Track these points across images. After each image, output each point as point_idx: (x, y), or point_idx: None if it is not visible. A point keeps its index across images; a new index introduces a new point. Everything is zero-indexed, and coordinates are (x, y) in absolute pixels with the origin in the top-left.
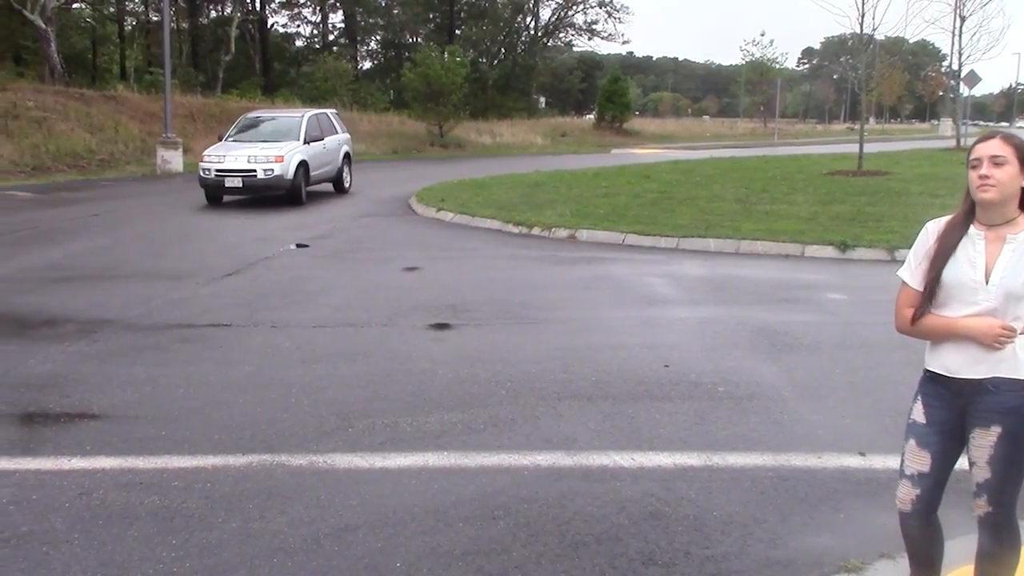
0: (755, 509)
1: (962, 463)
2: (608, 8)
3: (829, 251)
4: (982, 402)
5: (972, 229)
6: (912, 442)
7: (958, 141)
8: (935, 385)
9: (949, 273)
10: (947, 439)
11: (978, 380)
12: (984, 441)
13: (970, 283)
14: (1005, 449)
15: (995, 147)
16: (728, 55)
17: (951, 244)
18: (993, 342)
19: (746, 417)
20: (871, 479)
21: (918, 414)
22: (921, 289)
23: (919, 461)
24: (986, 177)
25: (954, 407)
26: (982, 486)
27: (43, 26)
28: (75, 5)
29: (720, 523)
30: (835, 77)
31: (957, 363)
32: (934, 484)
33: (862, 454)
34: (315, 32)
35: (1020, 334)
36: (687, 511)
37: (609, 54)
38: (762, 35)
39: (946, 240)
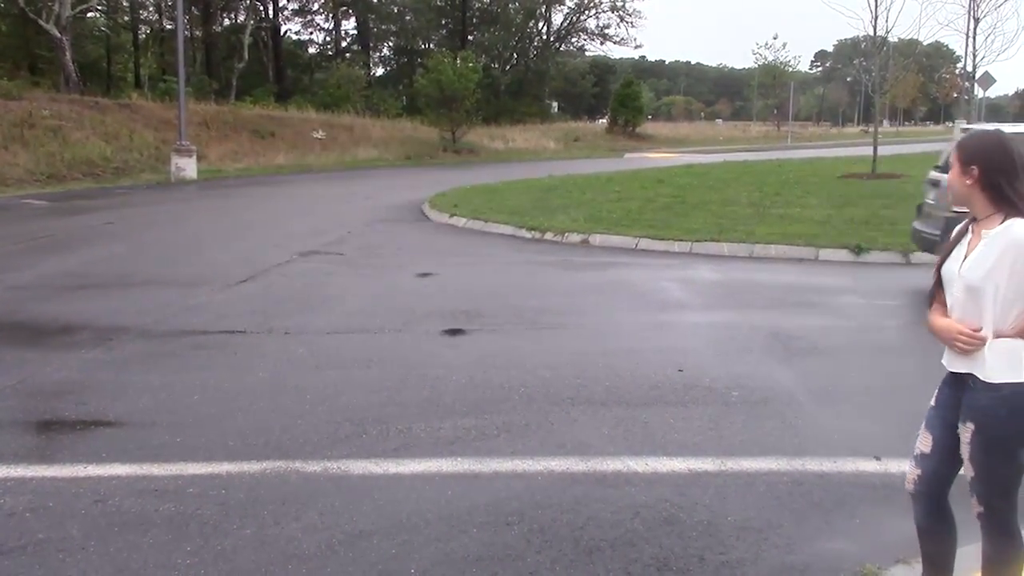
0: (770, 514)
1: None
2: (620, 12)
3: (843, 254)
4: (964, 397)
5: (971, 227)
6: (923, 423)
7: None
8: (945, 373)
9: (945, 268)
10: (947, 424)
11: (962, 375)
12: (964, 437)
13: (953, 276)
14: (978, 447)
15: (952, 151)
16: (741, 58)
17: (955, 240)
18: (951, 344)
19: (760, 422)
20: (887, 484)
21: (933, 397)
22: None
23: (923, 442)
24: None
25: (955, 396)
26: (971, 484)
27: (58, 35)
28: (89, 14)
29: (735, 528)
30: (848, 80)
31: (948, 356)
32: (936, 468)
33: (877, 458)
34: (328, 39)
35: (982, 336)
36: (701, 516)
37: (621, 58)
38: (775, 38)
39: (954, 236)
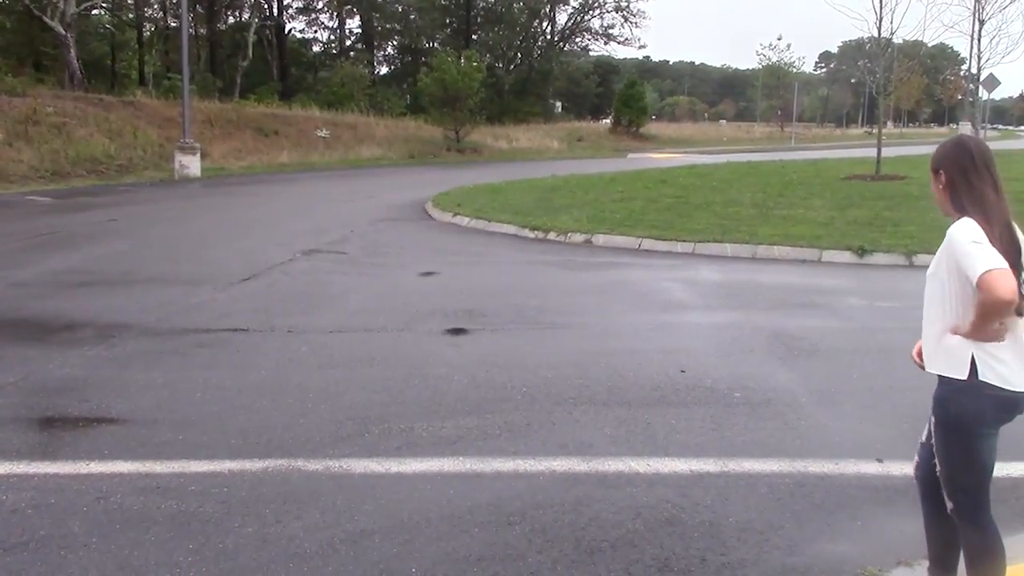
0: (772, 516)
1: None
2: (624, 13)
3: (846, 256)
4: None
5: None
6: None
7: None
8: None
9: None
10: None
11: None
12: (932, 429)
13: None
14: (937, 438)
15: None
16: (745, 59)
17: None
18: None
19: (763, 423)
20: (888, 486)
21: None
22: None
23: (925, 431)
24: None
25: None
26: (939, 478)
27: (63, 32)
28: (94, 11)
29: (737, 530)
30: (853, 81)
31: None
32: (926, 456)
33: (880, 460)
34: (332, 37)
35: (917, 362)
36: (703, 517)
37: (626, 58)
38: (779, 39)
39: None
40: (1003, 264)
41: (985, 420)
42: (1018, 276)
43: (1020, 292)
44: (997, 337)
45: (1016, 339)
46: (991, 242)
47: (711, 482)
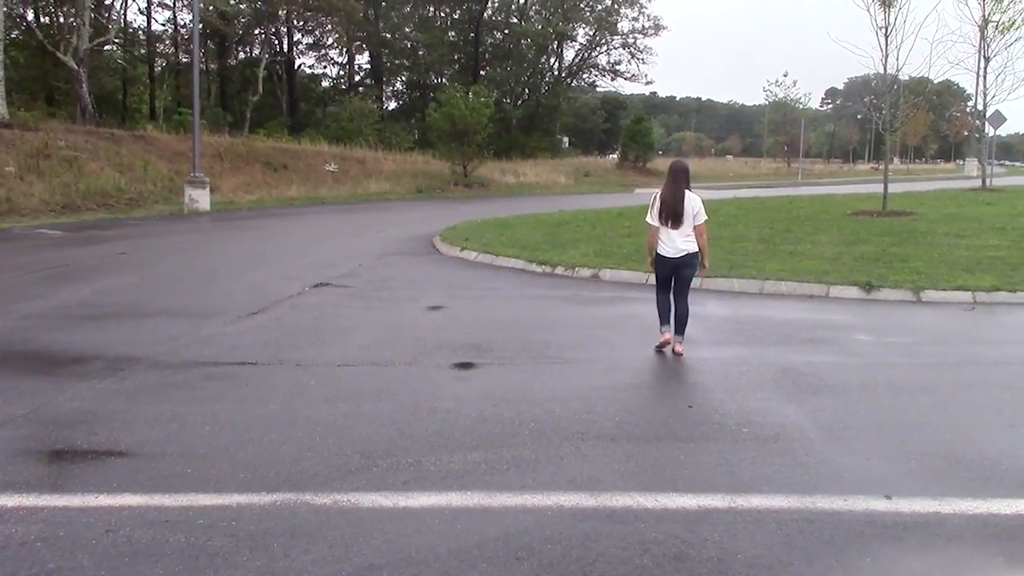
0: (780, 552)
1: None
2: (631, 49)
3: (854, 292)
4: None
5: None
6: None
7: (984, 181)
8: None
9: None
10: None
11: None
12: None
13: None
14: None
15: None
16: (751, 95)
17: None
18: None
19: (771, 458)
20: (897, 522)
21: None
22: None
23: None
24: None
25: None
26: None
27: (75, 67)
28: (107, 47)
29: (745, 566)
30: (859, 117)
31: None
32: None
33: (888, 497)
34: (341, 73)
35: None
36: (711, 553)
37: (632, 94)
38: (785, 75)
39: None
40: (651, 217)
41: (657, 265)
42: (663, 219)
43: (660, 224)
44: (655, 240)
45: (667, 236)
46: (653, 204)
47: (719, 518)
